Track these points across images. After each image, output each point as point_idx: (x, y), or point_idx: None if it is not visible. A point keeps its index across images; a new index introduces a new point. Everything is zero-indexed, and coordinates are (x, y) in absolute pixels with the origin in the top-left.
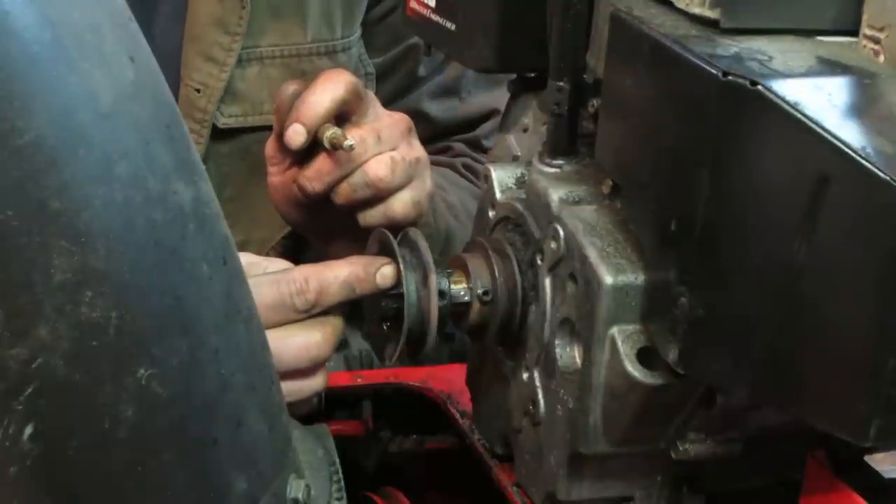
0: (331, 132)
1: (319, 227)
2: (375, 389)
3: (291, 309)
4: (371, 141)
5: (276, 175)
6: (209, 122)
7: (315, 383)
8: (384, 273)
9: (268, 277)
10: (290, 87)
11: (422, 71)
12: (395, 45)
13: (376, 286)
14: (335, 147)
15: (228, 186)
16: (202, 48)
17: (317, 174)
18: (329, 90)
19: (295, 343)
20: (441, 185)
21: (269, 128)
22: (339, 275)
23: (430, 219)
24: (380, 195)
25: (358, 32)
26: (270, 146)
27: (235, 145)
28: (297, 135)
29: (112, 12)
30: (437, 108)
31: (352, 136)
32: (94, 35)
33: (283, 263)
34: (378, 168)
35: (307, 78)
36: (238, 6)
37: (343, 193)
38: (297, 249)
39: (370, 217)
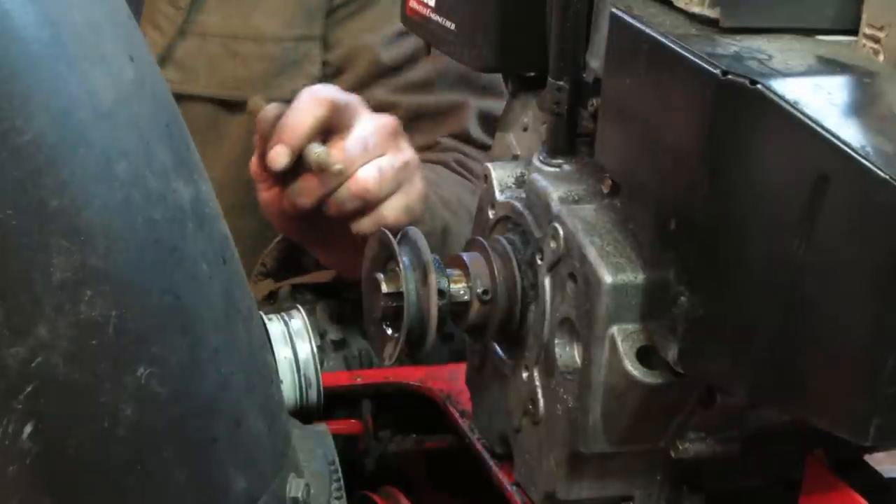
0: (316, 153)
1: (315, 238)
2: (375, 389)
3: None
4: (357, 152)
5: (265, 191)
6: None
7: None
8: None
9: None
10: (272, 111)
11: (386, 59)
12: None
13: None
14: (322, 169)
15: None
16: (150, 16)
17: (305, 190)
18: (310, 110)
19: None
20: (434, 181)
21: (202, 98)
22: None
23: (427, 216)
24: (370, 204)
25: (315, 31)
26: (255, 166)
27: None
28: (279, 156)
29: (111, 12)
30: (406, 101)
31: (337, 149)
32: (93, 34)
33: None
34: (366, 180)
35: (278, 101)
36: None
37: (333, 206)
38: (293, 254)
39: (362, 226)
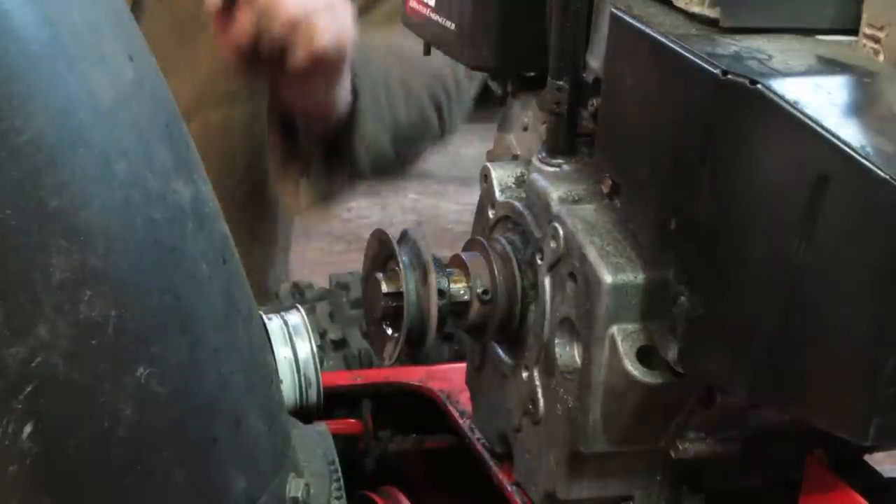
0: None
1: (277, 85)
2: (375, 389)
3: None
4: None
5: (224, 43)
6: None
7: None
8: None
9: None
10: None
11: None
12: None
13: None
14: None
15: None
16: None
17: (242, 23)
18: None
19: None
20: (379, 38)
21: None
22: None
23: (372, 65)
24: (304, 32)
25: None
26: (214, 21)
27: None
28: None
29: (111, 12)
30: None
31: None
32: (93, 34)
33: None
34: (294, 4)
35: None
36: None
37: (268, 35)
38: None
39: (298, 55)
